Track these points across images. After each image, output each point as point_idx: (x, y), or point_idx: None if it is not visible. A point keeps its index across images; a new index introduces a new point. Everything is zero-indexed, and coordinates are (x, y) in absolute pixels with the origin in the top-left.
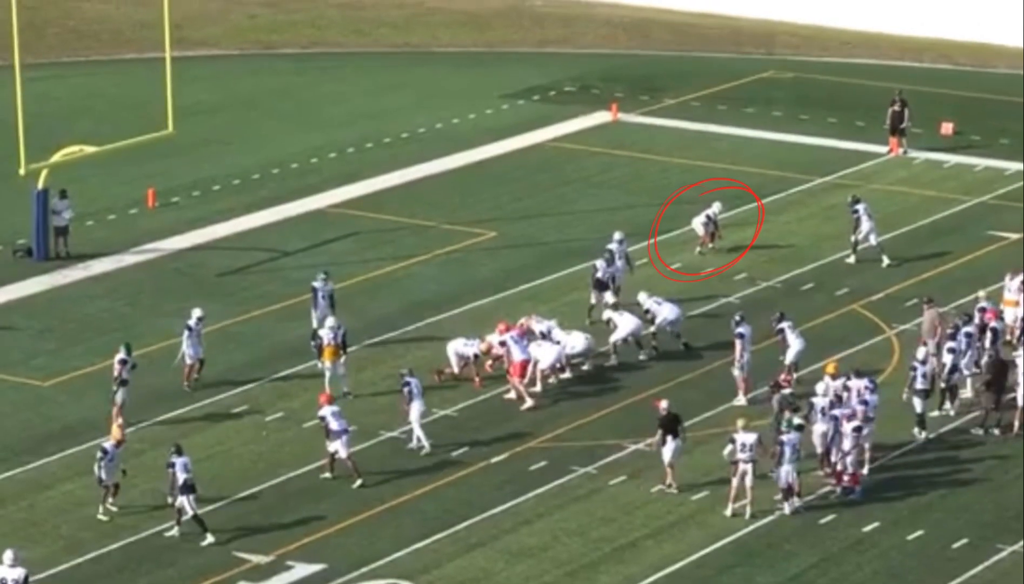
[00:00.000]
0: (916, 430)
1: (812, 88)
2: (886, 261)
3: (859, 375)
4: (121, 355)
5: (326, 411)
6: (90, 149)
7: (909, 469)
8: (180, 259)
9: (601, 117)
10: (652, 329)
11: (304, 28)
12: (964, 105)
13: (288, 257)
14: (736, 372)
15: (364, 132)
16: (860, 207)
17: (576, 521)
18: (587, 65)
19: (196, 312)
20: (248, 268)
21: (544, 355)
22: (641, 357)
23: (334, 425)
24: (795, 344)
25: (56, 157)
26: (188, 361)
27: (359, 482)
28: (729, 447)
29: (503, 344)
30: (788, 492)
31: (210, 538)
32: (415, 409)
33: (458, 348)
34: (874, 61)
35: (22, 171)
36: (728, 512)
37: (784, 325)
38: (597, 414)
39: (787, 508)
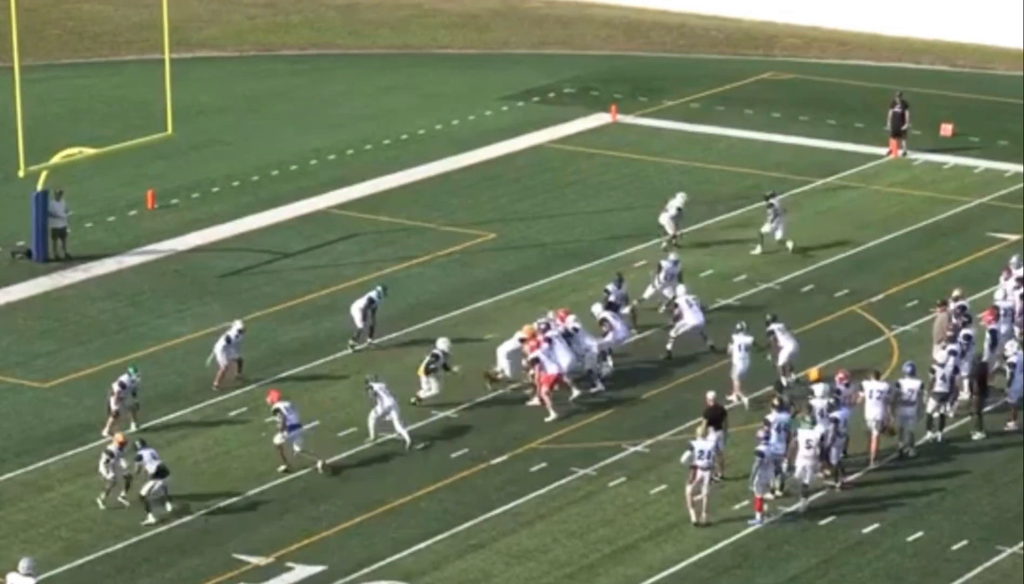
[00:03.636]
0: (930, 433)
1: (811, 90)
2: (790, 246)
3: (878, 377)
4: (122, 378)
5: (281, 405)
6: (89, 151)
7: (908, 470)
8: (180, 261)
9: (600, 118)
10: (674, 334)
11: (303, 30)
12: (963, 107)
13: (288, 259)
14: (733, 376)
15: (363, 134)
16: (775, 202)
17: (576, 523)
18: (586, 66)
19: (237, 324)
20: (248, 270)
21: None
22: (664, 351)
23: (290, 419)
24: (787, 345)
25: (55, 159)
26: (221, 365)
27: (320, 465)
28: (687, 453)
29: (536, 361)
30: (805, 488)
31: (151, 518)
32: (385, 407)
33: (509, 349)
34: (873, 63)
35: (21, 173)
36: (693, 519)
37: (775, 327)
38: (596, 416)
39: (801, 505)
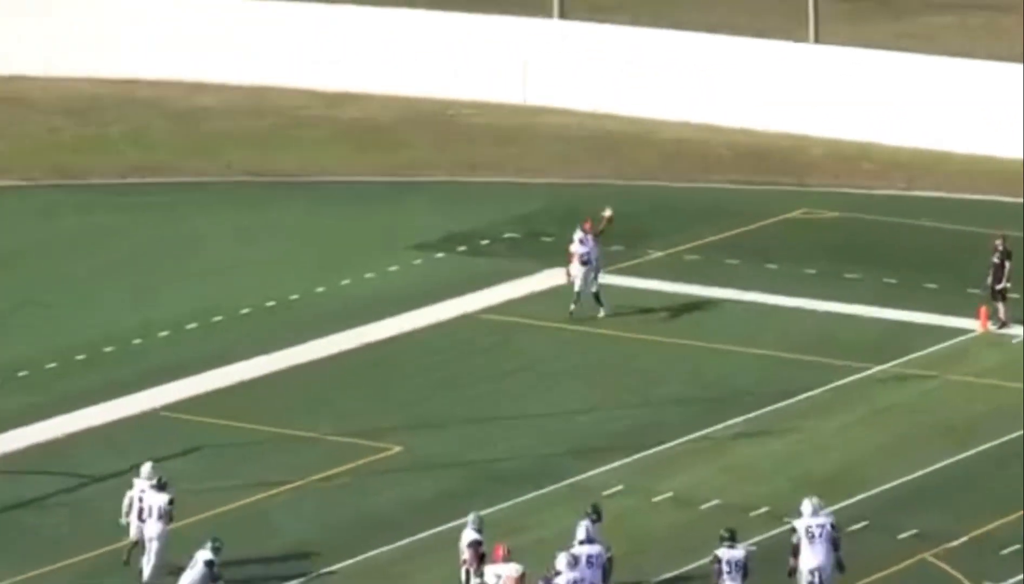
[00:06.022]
0: None
1: (861, 233)
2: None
3: None
4: None
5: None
6: None
7: None
8: None
9: (555, 277)
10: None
11: (126, 146)
12: None
13: (95, 484)
14: None
15: (216, 298)
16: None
17: None
18: (535, 199)
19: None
20: (39, 501)
21: None
22: None
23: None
24: None
25: None
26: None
27: None
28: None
29: None
30: None
31: None
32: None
33: None
34: (949, 194)
35: None
36: None
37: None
38: None
39: None
